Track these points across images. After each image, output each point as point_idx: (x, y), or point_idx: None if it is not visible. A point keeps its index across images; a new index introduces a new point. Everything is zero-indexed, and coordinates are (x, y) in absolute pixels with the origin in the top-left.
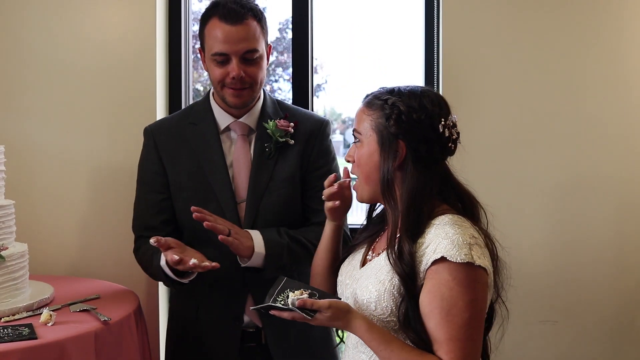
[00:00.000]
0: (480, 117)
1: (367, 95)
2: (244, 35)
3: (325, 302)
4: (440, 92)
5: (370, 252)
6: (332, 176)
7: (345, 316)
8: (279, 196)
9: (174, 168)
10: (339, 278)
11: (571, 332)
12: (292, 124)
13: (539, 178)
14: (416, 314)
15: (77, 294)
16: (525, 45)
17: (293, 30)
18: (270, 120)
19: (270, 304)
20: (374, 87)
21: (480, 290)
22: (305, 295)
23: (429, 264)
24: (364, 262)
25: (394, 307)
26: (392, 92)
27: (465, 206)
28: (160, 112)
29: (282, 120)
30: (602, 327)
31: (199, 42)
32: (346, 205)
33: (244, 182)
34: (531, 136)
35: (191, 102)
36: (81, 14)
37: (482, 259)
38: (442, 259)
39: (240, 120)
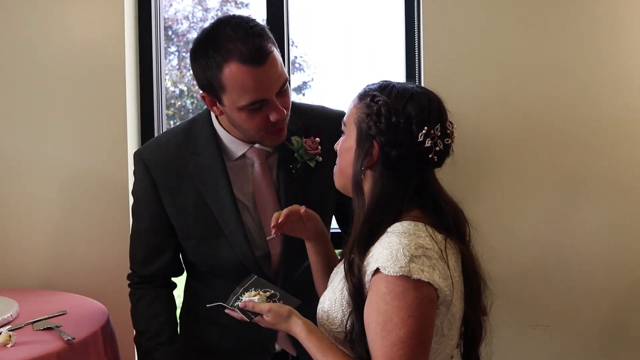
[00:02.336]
0: (463, 115)
1: (363, 88)
2: (274, 70)
3: (265, 306)
4: None
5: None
6: (275, 216)
7: (285, 321)
8: None
9: (178, 211)
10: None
11: (563, 337)
12: (317, 139)
13: (527, 179)
14: (362, 329)
15: (44, 310)
16: (510, 40)
17: (268, 23)
18: (293, 137)
19: (221, 303)
20: (362, 84)
21: (420, 306)
22: (257, 297)
23: (370, 275)
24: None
25: (343, 319)
26: (384, 89)
27: (443, 218)
28: (131, 115)
29: (308, 140)
30: (595, 332)
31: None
32: (309, 225)
33: (272, 212)
34: (518, 135)
35: (163, 105)
36: (47, 17)
37: (429, 273)
38: (378, 271)
39: (257, 146)
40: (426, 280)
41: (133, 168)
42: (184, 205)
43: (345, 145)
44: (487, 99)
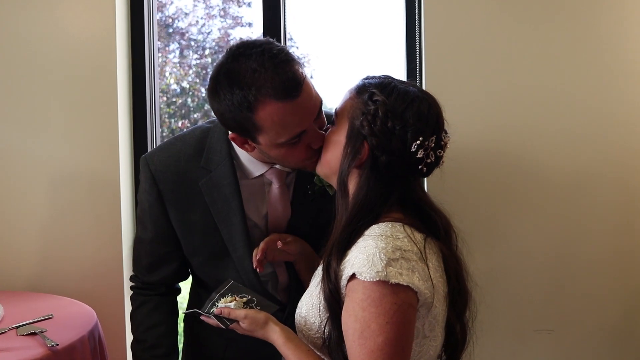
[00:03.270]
0: (465, 113)
1: (365, 78)
2: (311, 97)
3: (241, 312)
4: (424, 86)
5: None
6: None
7: (262, 327)
8: (318, 242)
9: (185, 227)
10: None
11: (568, 342)
12: None
13: (530, 180)
14: (340, 335)
15: (30, 314)
16: (514, 36)
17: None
18: None
19: (196, 310)
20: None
21: (399, 312)
22: (233, 303)
23: (346, 280)
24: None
25: (320, 325)
26: (384, 87)
27: (428, 221)
28: (123, 113)
29: None
30: (601, 336)
31: (170, 42)
32: (291, 250)
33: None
34: (520, 135)
35: (157, 104)
36: (37, 14)
37: (409, 276)
38: (354, 276)
39: (278, 166)
40: (405, 283)
41: (131, 170)
42: (191, 223)
43: (334, 137)
44: (489, 98)
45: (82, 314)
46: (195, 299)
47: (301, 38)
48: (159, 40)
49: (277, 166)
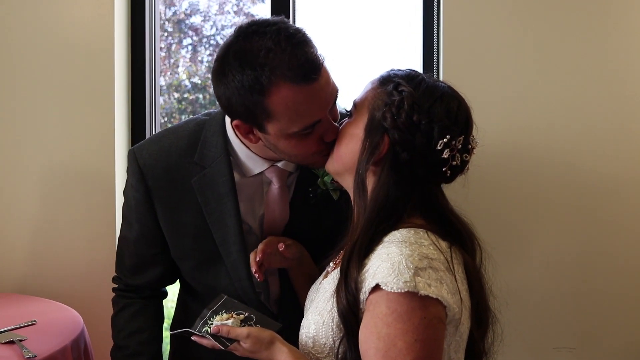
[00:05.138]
0: (484, 115)
1: (387, 71)
2: (329, 83)
3: (243, 330)
4: None
5: (331, 264)
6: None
7: (267, 348)
8: (319, 248)
9: (176, 229)
10: (306, 299)
11: None
12: None
13: (550, 187)
14: (357, 357)
15: (13, 319)
16: (535, 34)
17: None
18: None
19: (188, 329)
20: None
21: (427, 328)
22: (231, 321)
23: (367, 292)
24: (324, 278)
25: (333, 346)
26: (411, 79)
27: (451, 229)
28: (120, 108)
29: None
30: (626, 356)
31: (183, 38)
32: (288, 255)
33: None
34: (541, 136)
35: (156, 99)
36: (32, 6)
37: (437, 287)
38: (378, 287)
39: (279, 165)
40: (434, 296)
41: (126, 166)
42: (181, 224)
43: (351, 130)
44: (509, 100)
45: (67, 321)
46: (182, 308)
47: (316, 39)
48: (170, 36)
49: (280, 164)
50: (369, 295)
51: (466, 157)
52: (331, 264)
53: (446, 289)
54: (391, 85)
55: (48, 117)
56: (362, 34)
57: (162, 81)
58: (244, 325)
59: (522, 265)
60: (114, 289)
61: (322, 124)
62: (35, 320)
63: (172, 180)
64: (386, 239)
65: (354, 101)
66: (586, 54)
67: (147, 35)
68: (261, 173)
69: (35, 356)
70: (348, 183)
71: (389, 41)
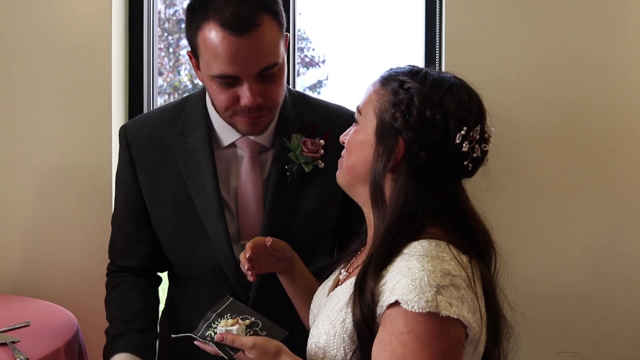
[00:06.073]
0: (490, 111)
1: (387, 71)
2: (257, 48)
3: (249, 340)
4: None
5: (342, 273)
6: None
7: (273, 359)
8: (302, 233)
9: (156, 197)
10: (311, 304)
11: None
12: (322, 141)
13: (557, 183)
14: None
15: (6, 320)
16: (538, 28)
17: None
18: (294, 136)
19: (190, 334)
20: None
21: (445, 350)
22: (236, 327)
23: (384, 307)
24: (335, 285)
25: (344, 356)
26: (415, 74)
27: (476, 241)
28: (117, 106)
29: (308, 141)
30: None
31: (182, 37)
32: (277, 255)
33: (252, 217)
34: (548, 132)
35: (155, 93)
36: (30, 5)
37: (458, 307)
38: (397, 304)
39: (251, 137)
40: (455, 316)
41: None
42: (162, 190)
43: (359, 138)
44: (516, 96)
45: (62, 323)
46: (169, 302)
47: (318, 39)
48: (170, 35)
49: (251, 136)
50: (386, 310)
51: (485, 147)
52: (343, 271)
53: (467, 308)
54: (395, 84)
55: (44, 116)
56: (362, 32)
57: (163, 82)
58: (249, 331)
59: (526, 269)
60: (107, 274)
61: (243, 86)
62: (29, 322)
63: (155, 148)
64: (406, 250)
65: (358, 107)
66: (590, 48)
67: (145, 34)
68: (235, 146)
69: (28, 358)
70: (361, 195)
71: (390, 39)
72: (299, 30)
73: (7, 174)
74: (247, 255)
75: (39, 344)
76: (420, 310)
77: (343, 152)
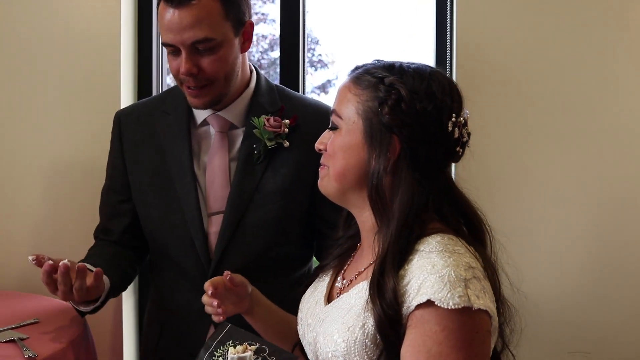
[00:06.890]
0: (498, 113)
1: (355, 68)
2: (189, 21)
3: None
4: None
5: (339, 280)
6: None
7: None
8: (266, 212)
9: (137, 166)
10: (300, 315)
11: None
12: (286, 121)
13: (568, 187)
14: None
15: (16, 317)
16: (554, 27)
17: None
18: (262, 116)
19: None
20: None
21: (480, 343)
22: (248, 354)
23: (412, 307)
24: (329, 295)
25: None
26: (390, 68)
27: (471, 227)
28: (126, 97)
29: (271, 118)
30: None
31: None
32: (239, 291)
33: (219, 190)
34: (557, 128)
35: (164, 89)
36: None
37: (483, 298)
38: (429, 303)
39: (219, 113)
40: (484, 308)
41: None
42: (142, 160)
43: (345, 142)
44: (532, 93)
45: (70, 320)
46: (152, 298)
47: (328, 39)
48: None
49: (220, 112)
50: (415, 310)
51: (468, 130)
52: (339, 279)
53: (489, 298)
54: (373, 80)
55: (54, 113)
56: (372, 32)
57: (171, 81)
58: (257, 358)
59: (536, 269)
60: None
61: (180, 55)
62: (38, 319)
63: (141, 124)
64: (421, 247)
65: (334, 110)
66: (604, 52)
67: (154, 31)
68: (207, 123)
69: (36, 356)
70: (352, 201)
71: (399, 40)
72: (309, 31)
73: (16, 170)
74: (210, 292)
75: (48, 341)
76: (455, 307)
77: (323, 159)
